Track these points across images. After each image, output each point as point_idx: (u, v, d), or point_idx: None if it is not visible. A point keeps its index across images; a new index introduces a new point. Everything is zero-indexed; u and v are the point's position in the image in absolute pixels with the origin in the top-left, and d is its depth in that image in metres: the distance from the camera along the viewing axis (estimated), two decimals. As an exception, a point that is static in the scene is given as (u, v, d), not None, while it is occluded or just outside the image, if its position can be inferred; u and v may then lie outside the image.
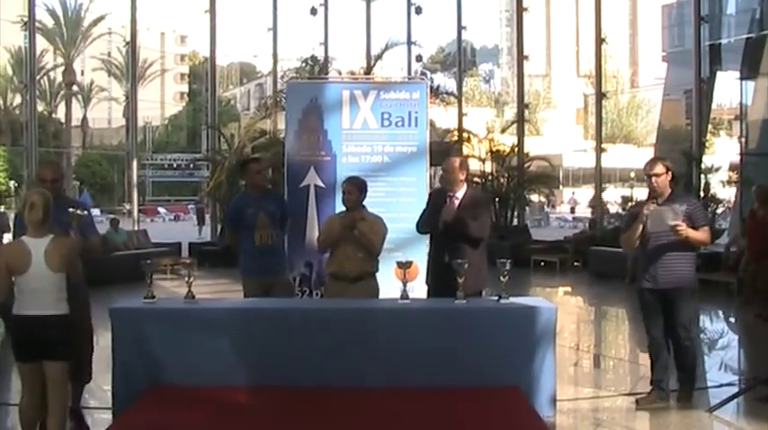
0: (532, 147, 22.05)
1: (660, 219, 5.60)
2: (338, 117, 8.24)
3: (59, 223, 4.84)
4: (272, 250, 6.43)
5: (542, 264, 16.46)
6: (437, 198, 6.16)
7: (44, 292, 4.48)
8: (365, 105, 8.22)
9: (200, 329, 5.36)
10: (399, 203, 7.90)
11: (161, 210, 47.88)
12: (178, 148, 53.72)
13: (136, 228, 19.16)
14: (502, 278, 5.53)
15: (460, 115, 21.00)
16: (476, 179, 19.73)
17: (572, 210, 37.90)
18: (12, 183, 32.91)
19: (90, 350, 5.30)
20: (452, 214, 5.88)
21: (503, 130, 22.33)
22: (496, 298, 5.57)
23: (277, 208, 6.54)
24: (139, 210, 21.89)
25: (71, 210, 5.02)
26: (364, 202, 6.24)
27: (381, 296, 6.19)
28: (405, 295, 5.59)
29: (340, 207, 6.41)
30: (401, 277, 5.64)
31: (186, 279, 5.66)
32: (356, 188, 6.19)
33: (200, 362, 5.29)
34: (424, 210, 6.24)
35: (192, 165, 44.17)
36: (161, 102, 64.65)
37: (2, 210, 24.94)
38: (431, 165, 8.25)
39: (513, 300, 5.56)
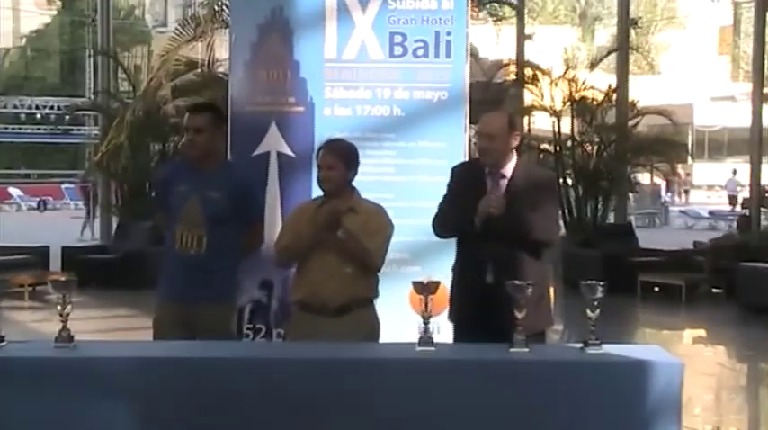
0: (643, 92, 22.15)
1: None
2: (318, 40, 8.33)
3: None
4: (199, 263, 6.58)
5: (658, 288, 16.55)
6: (467, 178, 6.33)
7: None
8: (363, 21, 8.30)
9: (84, 392, 5.42)
10: (418, 185, 8.01)
11: (14, 191, 48.00)
12: (44, 89, 53.83)
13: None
14: (590, 312, 5.61)
15: (521, 38, 21.10)
16: (544, 146, 19.86)
17: (731, 202, 37.58)
18: None
19: None
20: (500, 204, 6.00)
21: (592, 65, 22.44)
22: (581, 345, 5.66)
23: (226, 196, 6.63)
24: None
25: None
26: (354, 183, 6.38)
27: (383, 339, 6.30)
28: (426, 338, 5.65)
29: (317, 190, 6.51)
30: (420, 308, 5.71)
31: (59, 308, 5.69)
32: (340, 158, 6.30)
33: (85, 444, 5.38)
34: (445, 199, 6.39)
35: (68, 118, 44.30)
36: (13, 9, 64.65)
37: None
38: (471, 122, 8.37)
39: (607, 348, 5.62)
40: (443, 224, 6.31)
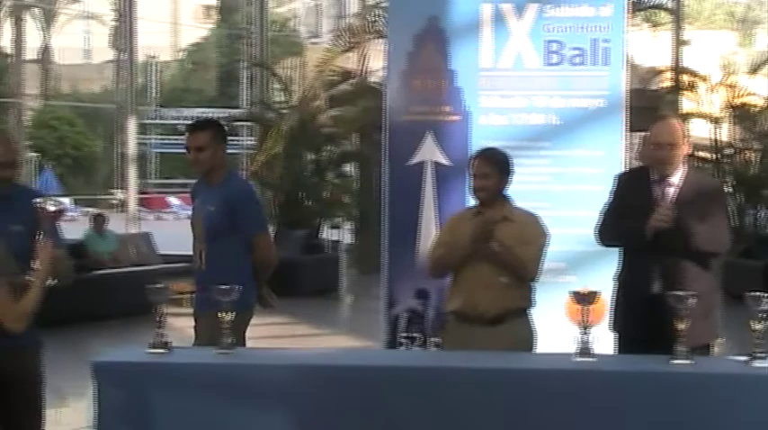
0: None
1: None
2: (474, 49, 8.32)
3: (6, 233, 5.21)
4: (201, 277, 6.79)
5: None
6: (633, 186, 6.27)
7: None
8: (520, 29, 8.26)
9: (245, 399, 5.52)
10: (574, 194, 7.95)
11: (173, 200, 49.00)
12: (202, 100, 54.88)
13: (133, 229, 19.75)
14: (755, 324, 5.48)
15: (678, 44, 20.80)
16: (701, 154, 19.50)
17: None
18: None
19: None
20: (669, 214, 5.93)
21: (753, 70, 22.02)
22: (746, 358, 5.54)
23: (220, 209, 6.70)
24: (139, 201, 22.54)
25: (38, 201, 5.32)
26: (509, 192, 6.36)
27: (539, 349, 6.29)
28: (584, 349, 5.60)
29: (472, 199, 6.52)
30: (578, 318, 5.66)
31: (221, 316, 5.79)
32: (495, 167, 6.29)
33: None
34: (609, 208, 6.34)
35: (226, 128, 44.98)
36: (173, 23, 66.06)
37: None
38: (630, 129, 8.27)
39: (775, 362, 5.52)
40: (609, 233, 6.25)
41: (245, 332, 6.74)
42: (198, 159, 6.73)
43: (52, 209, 5.37)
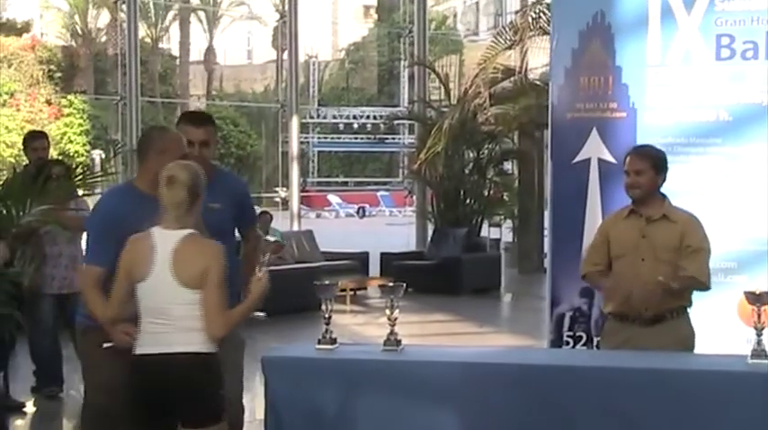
0: None
1: None
2: (641, 44, 8.19)
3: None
4: None
5: None
6: None
7: (171, 315, 4.80)
8: (688, 23, 8.09)
9: (411, 395, 5.56)
10: (746, 192, 7.75)
11: (332, 199, 49.58)
12: (362, 99, 55.32)
13: (296, 227, 19.97)
14: None
15: None
16: None
17: None
18: (96, 153, 32.65)
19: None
20: None
21: None
22: None
23: (228, 205, 6.19)
24: (301, 200, 22.81)
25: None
26: (678, 190, 6.33)
27: (707, 349, 6.16)
28: (759, 351, 5.45)
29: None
30: (752, 319, 5.54)
31: (387, 312, 5.83)
32: (648, 164, 6.18)
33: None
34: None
35: (386, 127, 45.27)
36: (333, 22, 66.75)
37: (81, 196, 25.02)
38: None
39: None
40: None
41: None
42: (202, 155, 6.10)
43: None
